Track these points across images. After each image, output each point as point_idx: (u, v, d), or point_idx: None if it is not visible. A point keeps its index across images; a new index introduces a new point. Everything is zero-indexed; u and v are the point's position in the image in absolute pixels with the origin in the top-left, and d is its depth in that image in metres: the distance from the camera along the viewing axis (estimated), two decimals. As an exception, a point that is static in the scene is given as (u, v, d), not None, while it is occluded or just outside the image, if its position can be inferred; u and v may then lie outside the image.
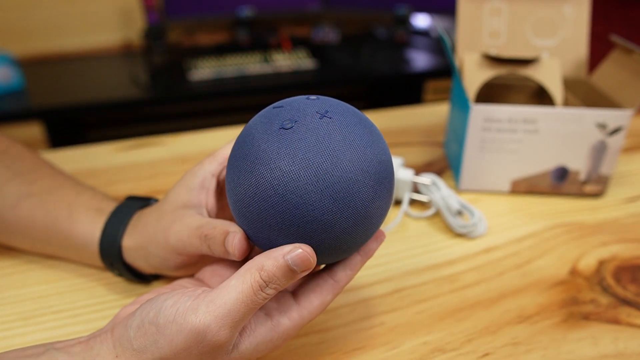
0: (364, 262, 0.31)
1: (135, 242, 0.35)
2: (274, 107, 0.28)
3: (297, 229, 0.26)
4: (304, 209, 0.25)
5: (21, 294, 0.39)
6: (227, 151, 0.35)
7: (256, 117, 0.29)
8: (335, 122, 0.27)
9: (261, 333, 0.27)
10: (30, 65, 1.56)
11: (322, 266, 0.32)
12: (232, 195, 0.28)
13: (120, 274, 0.38)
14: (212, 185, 0.35)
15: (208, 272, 0.34)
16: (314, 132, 0.26)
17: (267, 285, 0.25)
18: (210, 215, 0.35)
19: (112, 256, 0.37)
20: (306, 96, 0.29)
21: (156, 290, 0.32)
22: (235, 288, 0.25)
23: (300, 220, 0.26)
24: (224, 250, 0.30)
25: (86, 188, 0.40)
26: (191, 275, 0.35)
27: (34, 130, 1.35)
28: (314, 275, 0.30)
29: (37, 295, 0.38)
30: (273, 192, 0.26)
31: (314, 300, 0.29)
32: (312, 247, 0.26)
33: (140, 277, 0.38)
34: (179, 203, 0.34)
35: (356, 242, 0.28)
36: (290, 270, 0.26)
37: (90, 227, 0.37)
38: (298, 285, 0.31)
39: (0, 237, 0.40)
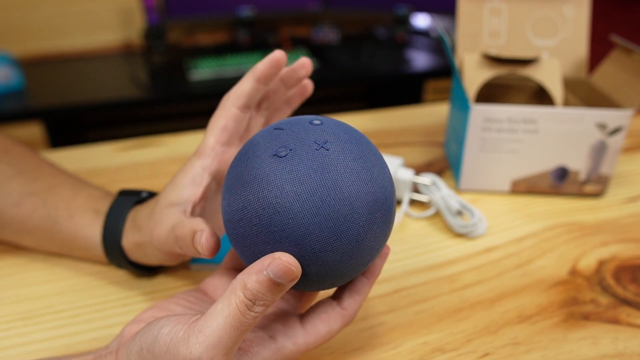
0: (371, 283, 0.30)
1: (133, 242, 0.36)
2: (274, 128, 0.28)
3: None
4: (289, 241, 0.25)
5: (22, 294, 0.39)
6: (210, 141, 0.34)
7: (256, 136, 0.28)
8: (332, 154, 0.26)
9: (264, 356, 0.27)
10: (30, 65, 1.56)
11: (332, 290, 0.31)
12: (224, 213, 0.28)
13: (128, 270, 0.39)
14: (204, 180, 0.34)
15: (210, 284, 0.33)
16: (307, 164, 0.25)
17: (254, 304, 0.24)
18: (204, 210, 0.34)
19: (117, 257, 0.37)
20: (311, 119, 0.28)
21: (158, 306, 0.31)
22: (221, 313, 0.24)
23: (283, 250, 0.25)
24: (194, 250, 0.29)
25: (84, 186, 0.40)
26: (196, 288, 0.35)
27: (34, 130, 1.35)
28: (323, 301, 0.30)
29: (38, 295, 0.38)
30: (258, 221, 0.25)
31: (320, 328, 0.28)
32: (300, 277, 0.26)
33: (148, 270, 0.39)
34: (167, 202, 0.33)
35: (346, 276, 0.27)
36: (274, 284, 0.24)
37: (90, 229, 0.38)
38: (307, 309, 0.30)
39: (5, 235, 0.41)
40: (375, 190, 0.26)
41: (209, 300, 0.32)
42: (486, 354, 0.34)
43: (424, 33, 1.83)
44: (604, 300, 0.39)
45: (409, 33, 1.78)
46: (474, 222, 0.45)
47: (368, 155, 0.27)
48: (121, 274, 0.41)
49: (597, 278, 0.41)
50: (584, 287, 0.40)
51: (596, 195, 0.51)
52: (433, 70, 1.56)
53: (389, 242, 0.45)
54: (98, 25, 1.64)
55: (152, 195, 0.39)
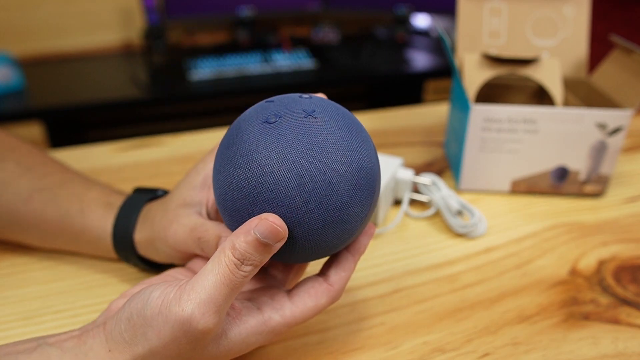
0: (356, 260, 0.31)
1: (145, 237, 0.36)
2: (266, 101, 0.29)
3: None
4: (275, 204, 0.25)
5: (21, 294, 0.39)
6: None
7: (250, 109, 0.29)
8: (319, 122, 0.27)
9: (251, 325, 0.27)
10: (30, 65, 1.56)
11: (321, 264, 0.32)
12: (215, 182, 0.28)
13: (135, 265, 0.39)
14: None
15: (199, 262, 0.34)
16: (294, 129, 0.26)
17: (243, 263, 0.25)
18: (211, 214, 0.35)
19: (126, 250, 0.37)
20: (300, 94, 0.29)
21: (146, 281, 0.32)
22: (212, 271, 0.25)
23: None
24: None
25: (95, 182, 0.41)
26: (183, 265, 0.35)
27: (34, 130, 1.35)
28: (309, 278, 0.30)
29: (38, 295, 0.38)
30: (247, 183, 0.26)
31: (308, 302, 0.29)
32: (286, 243, 0.26)
33: (156, 267, 0.39)
34: (181, 201, 0.34)
35: (330, 244, 0.28)
36: (261, 244, 0.25)
37: (101, 222, 0.38)
38: (294, 285, 0.31)
39: (12, 232, 0.40)
40: (360, 158, 0.27)
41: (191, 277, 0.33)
42: (486, 354, 0.34)
43: (424, 33, 1.83)
44: (604, 300, 0.39)
45: (409, 33, 1.78)
46: (474, 222, 0.45)
47: (353, 126, 0.28)
48: (121, 275, 0.41)
49: (597, 278, 0.41)
50: (584, 287, 0.40)
51: (596, 195, 0.51)
52: (433, 70, 1.56)
53: (388, 242, 0.45)
54: (98, 25, 1.64)
55: (166, 193, 0.40)
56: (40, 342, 0.27)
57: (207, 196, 0.34)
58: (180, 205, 0.34)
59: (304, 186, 0.25)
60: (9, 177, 0.39)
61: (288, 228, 0.26)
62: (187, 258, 0.35)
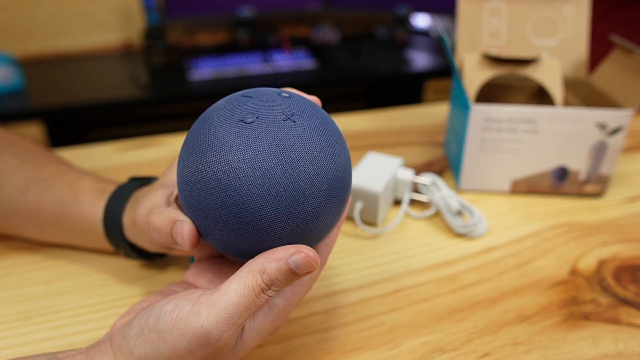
0: (338, 226, 0.31)
1: (130, 219, 0.35)
2: (242, 95, 0.27)
3: (232, 227, 0.25)
4: (244, 210, 0.25)
5: (22, 294, 0.39)
6: None
7: (222, 102, 0.28)
8: (297, 127, 0.26)
9: (260, 318, 0.28)
10: (30, 65, 1.56)
11: None
12: (180, 175, 0.27)
13: (126, 254, 0.39)
14: None
15: (191, 275, 0.33)
16: (272, 133, 0.25)
17: (270, 288, 0.25)
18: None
19: (116, 235, 0.37)
20: (279, 91, 0.28)
21: (148, 298, 0.31)
22: (237, 292, 0.25)
23: (236, 218, 0.25)
24: (171, 241, 0.29)
25: (89, 173, 0.41)
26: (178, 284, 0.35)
27: (34, 130, 1.35)
28: None
29: (38, 295, 0.38)
30: (216, 184, 0.25)
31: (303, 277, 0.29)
32: (247, 245, 0.26)
33: (146, 257, 0.39)
34: (159, 183, 0.33)
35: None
36: (292, 274, 0.25)
37: (93, 208, 0.38)
38: None
39: (12, 224, 0.41)
40: (335, 168, 0.26)
41: (205, 289, 0.32)
42: (486, 354, 0.34)
43: (424, 33, 1.83)
44: (604, 300, 0.39)
45: (409, 33, 1.78)
46: (474, 222, 0.45)
47: (332, 132, 0.27)
48: (121, 275, 0.41)
49: (597, 278, 0.41)
50: (584, 287, 0.40)
51: (596, 195, 0.51)
52: (433, 70, 1.56)
53: (389, 242, 0.45)
54: (98, 25, 1.64)
55: None
56: (50, 358, 0.27)
57: None
58: (156, 187, 0.33)
59: (276, 195, 0.25)
60: (7, 169, 0.39)
61: (254, 233, 0.25)
62: (156, 246, 0.34)
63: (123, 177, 0.55)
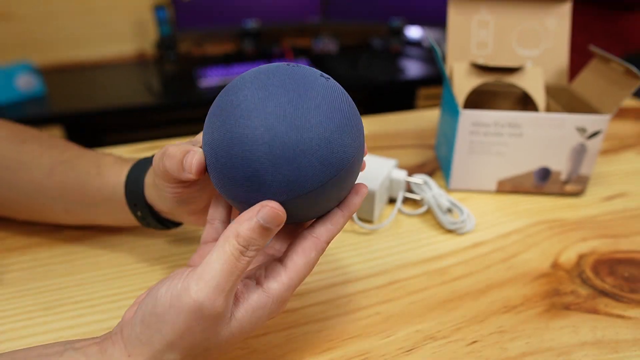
0: (346, 216, 0.29)
1: (151, 179, 0.34)
2: (287, 64, 0.27)
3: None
4: (270, 165, 0.24)
5: (43, 286, 0.39)
6: None
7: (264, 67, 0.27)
8: (335, 94, 0.26)
9: (254, 300, 0.27)
10: (51, 74, 1.56)
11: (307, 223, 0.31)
12: (208, 140, 0.27)
13: (144, 218, 0.37)
14: None
15: (198, 258, 0.33)
16: (288, 97, 0.25)
17: (247, 249, 0.25)
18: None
19: (135, 197, 0.36)
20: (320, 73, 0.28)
21: (151, 286, 0.31)
22: (218, 260, 0.25)
23: (261, 176, 0.25)
24: (180, 168, 0.28)
25: (111, 153, 0.41)
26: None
27: (54, 134, 1.35)
28: (296, 238, 0.29)
29: (57, 287, 0.39)
30: (230, 135, 0.25)
31: (298, 261, 0.28)
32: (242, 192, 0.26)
33: (163, 224, 0.38)
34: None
35: (322, 204, 0.27)
36: (264, 229, 0.25)
37: (116, 176, 0.37)
38: (284, 251, 0.30)
39: (39, 206, 0.40)
40: (357, 145, 0.26)
41: (193, 267, 0.32)
42: (474, 342, 0.34)
43: (416, 44, 1.83)
44: (583, 291, 0.39)
45: (403, 44, 1.77)
46: (463, 219, 0.45)
47: (355, 115, 0.27)
48: (136, 268, 0.41)
49: (577, 271, 0.41)
50: (565, 280, 0.40)
51: (576, 194, 0.51)
52: (425, 78, 1.56)
53: (383, 237, 0.45)
54: (114, 37, 1.64)
55: None
56: (67, 347, 0.26)
57: None
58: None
59: (274, 149, 0.24)
60: (33, 156, 0.39)
61: (253, 184, 0.25)
62: (175, 196, 0.32)
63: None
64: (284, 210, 0.25)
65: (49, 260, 0.41)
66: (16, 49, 1.56)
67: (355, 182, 0.29)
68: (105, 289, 0.38)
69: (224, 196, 0.28)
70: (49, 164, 0.39)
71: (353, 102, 0.28)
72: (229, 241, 0.25)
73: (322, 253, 0.29)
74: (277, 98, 0.25)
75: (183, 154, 0.28)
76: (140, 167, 0.37)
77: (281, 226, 0.26)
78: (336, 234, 0.29)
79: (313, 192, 0.26)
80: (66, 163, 0.39)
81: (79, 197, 0.39)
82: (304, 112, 0.25)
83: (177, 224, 0.39)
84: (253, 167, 0.25)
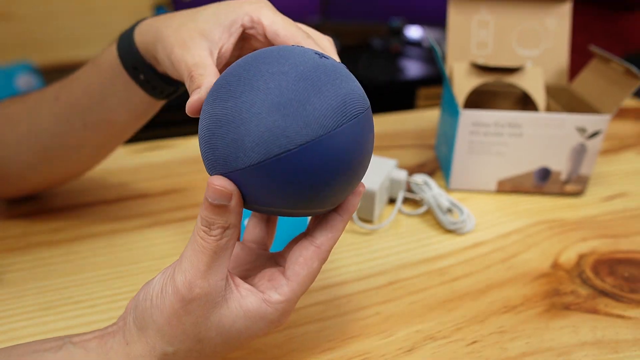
0: (345, 220, 0.28)
1: (143, 37, 0.34)
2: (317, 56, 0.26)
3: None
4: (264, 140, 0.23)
5: (43, 286, 0.39)
6: (265, 18, 0.31)
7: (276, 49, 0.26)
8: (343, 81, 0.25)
9: (252, 301, 0.26)
10: (50, 73, 1.56)
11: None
12: (209, 114, 0.25)
13: (149, 82, 0.37)
14: (237, 31, 0.31)
15: None
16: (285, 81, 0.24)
17: (210, 228, 0.25)
18: (221, 58, 0.31)
19: (132, 58, 0.35)
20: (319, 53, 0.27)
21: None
22: (190, 244, 0.26)
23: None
24: (188, 80, 0.29)
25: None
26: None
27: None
28: (298, 245, 0.28)
29: (58, 287, 0.39)
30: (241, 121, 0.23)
31: (300, 272, 0.27)
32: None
33: (169, 83, 0.37)
34: (201, 29, 0.31)
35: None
36: (216, 207, 0.24)
37: (109, 53, 0.37)
38: (285, 259, 0.29)
39: (60, 132, 0.40)
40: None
41: None
42: (474, 342, 0.34)
43: (416, 44, 1.83)
44: (583, 291, 0.39)
45: (403, 44, 1.77)
46: (463, 219, 0.45)
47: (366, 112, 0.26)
48: (136, 269, 0.41)
49: (577, 271, 0.41)
50: (565, 280, 0.40)
51: (576, 194, 0.51)
52: (425, 78, 1.56)
53: (384, 237, 0.45)
54: (113, 36, 1.64)
55: None
56: (65, 341, 0.27)
57: (225, 41, 0.31)
58: (199, 33, 0.31)
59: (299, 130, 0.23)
60: (38, 98, 0.41)
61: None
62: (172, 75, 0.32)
63: (138, 179, 0.55)
64: (227, 186, 0.24)
65: (49, 260, 0.41)
66: (16, 49, 1.56)
67: None
68: (105, 289, 0.38)
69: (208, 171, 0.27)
70: (53, 92, 0.40)
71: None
72: (195, 225, 0.26)
73: (325, 262, 0.28)
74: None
75: (198, 86, 0.28)
76: (128, 34, 0.36)
77: (237, 201, 0.25)
78: (337, 239, 0.28)
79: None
80: (67, 81, 0.40)
81: (87, 101, 0.39)
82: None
83: (175, 87, 0.39)
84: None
